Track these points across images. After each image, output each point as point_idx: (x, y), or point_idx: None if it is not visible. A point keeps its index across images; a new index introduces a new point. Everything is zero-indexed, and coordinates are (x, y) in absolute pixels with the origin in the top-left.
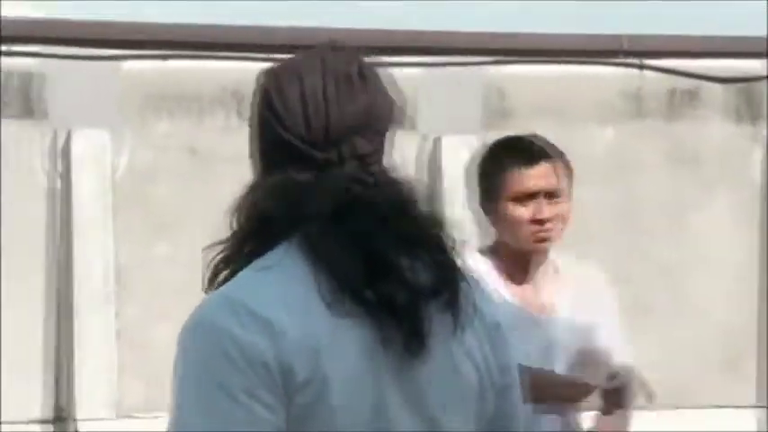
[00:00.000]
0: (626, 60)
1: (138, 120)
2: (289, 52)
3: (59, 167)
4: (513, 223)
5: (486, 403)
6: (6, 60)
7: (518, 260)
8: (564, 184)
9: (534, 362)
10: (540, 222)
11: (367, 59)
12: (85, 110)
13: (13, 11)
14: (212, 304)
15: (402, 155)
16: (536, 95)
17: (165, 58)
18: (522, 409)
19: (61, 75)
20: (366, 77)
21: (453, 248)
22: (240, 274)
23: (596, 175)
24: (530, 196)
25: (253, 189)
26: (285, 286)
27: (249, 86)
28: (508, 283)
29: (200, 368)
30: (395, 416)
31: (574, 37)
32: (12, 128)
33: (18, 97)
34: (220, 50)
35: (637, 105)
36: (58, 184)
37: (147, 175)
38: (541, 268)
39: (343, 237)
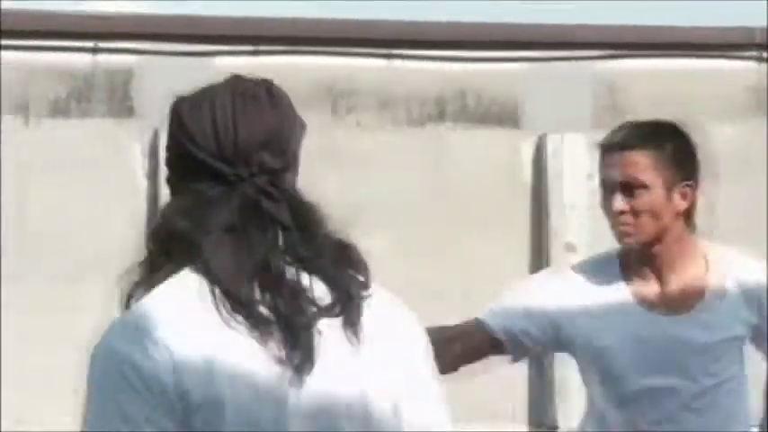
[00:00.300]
0: (750, 53)
1: None
2: (386, 47)
3: (149, 166)
4: (606, 215)
5: (387, 417)
6: (97, 58)
7: (636, 255)
8: (648, 175)
9: (651, 361)
10: (617, 215)
11: (277, 85)
12: None
13: (105, 7)
14: (114, 330)
15: (506, 154)
16: (651, 92)
17: (257, 53)
18: (433, 420)
19: (152, 71)
20: (273, 97)
21: (359, 269)
22: (145, 297)
23: (722, 175)
24: (609, 187)
25: (165, 209)
26: (184, 306)
27: (344, 83)
28: (635, 280)
29: (102, 394)
30: (291, 429)
31: (694, 30)
32: (103, 126)
33: (109, 95)
34: (314, 45)
35: (763, 100)
36: (149, 183)
37: None
38: (678, 263)
39: (240, 250)
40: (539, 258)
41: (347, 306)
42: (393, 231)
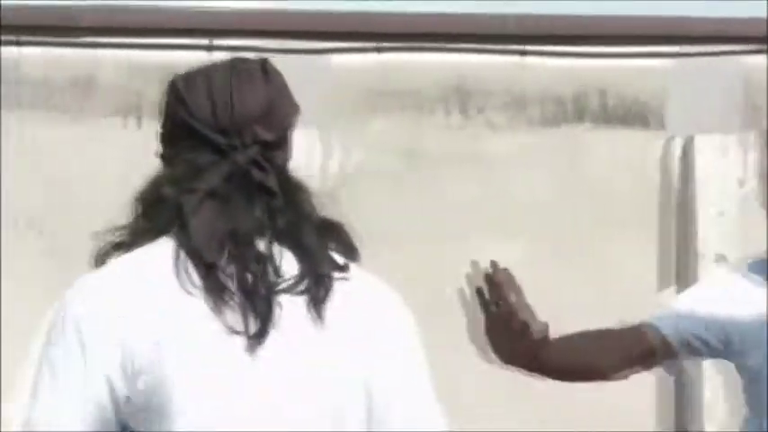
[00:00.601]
0: None
1: (350, 118)
2: (519, 43)
3: None
4: None
5: (352, 397)
6: (212, 56)
7: None
8: None
9: None
10: None
11: (272, 63)
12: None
13: (220, 3)
14: (74, 288)
15: (648, 156)
16: None
17: (379, 50)
18: (403, 410)
19: None
20: (268, 74)
21: (344, 250)
22: (119, 260)
23: None
24: None
25: (155, 176)
26: (146, 269)
27: (474, 81)
28: None
29: (45, 351)
30: (241, 401)
31: None
32: None
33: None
34: (441, 41)
35: None
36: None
37: (360, 181)
38: None
39: (219, 215)
40: (684, 268)
41: (314, 283)
42: (526, 237)
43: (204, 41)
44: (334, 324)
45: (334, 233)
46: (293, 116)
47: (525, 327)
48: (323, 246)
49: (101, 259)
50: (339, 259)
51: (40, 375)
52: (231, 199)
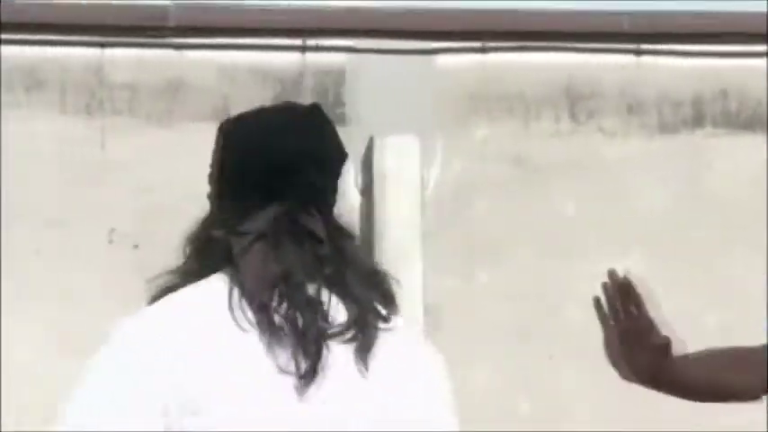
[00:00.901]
0: None
1: (454, 124)
2: (634, 41)
3: (360, 182)
4: None
5: None
6: (306, 57)
7: None
8: None
9: None
10: None
11: (323, 109)
12: (392, 113)
13: (313, 1)
14: (132, 319)
15: (754, 165)
16: None
17: (485, 50)
18: None
19: (363, 72)
20: (319, 119)
21: (385, 300)
22: (172, 295)
23: None
24: None
25: (204, 217)
26: (200, 305)
27: (584, 83)
28: None
29: (98, 376)
30: None
31: None
32: None
33: (312, 99)
34: (550, 40)
35: None
36: (363, 199)
37: (463, 191)
38: None
39: (268, 257)
40: None
41: (361, 332)
42: (642, 250)
43: (297, 42)
44: (375, 371)
45: (377, 283)
46: (341, 162)
47: (647, 341)
48: (368, 295)
49: (155, 302)
50: (382, 310)
51: (84, 388)
52: (280, 242)
